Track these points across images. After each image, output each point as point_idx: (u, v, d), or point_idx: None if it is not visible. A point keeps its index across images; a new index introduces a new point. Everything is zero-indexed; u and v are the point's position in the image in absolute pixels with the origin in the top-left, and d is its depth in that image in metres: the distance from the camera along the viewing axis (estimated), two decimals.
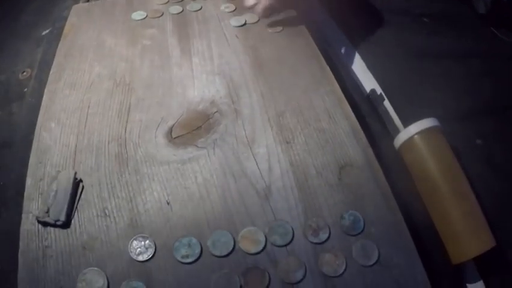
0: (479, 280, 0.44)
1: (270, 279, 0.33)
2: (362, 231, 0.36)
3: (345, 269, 0.34)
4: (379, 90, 0.53)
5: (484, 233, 0.41)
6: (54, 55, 0.52)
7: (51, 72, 0.48)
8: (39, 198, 0.38)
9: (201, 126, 0.41)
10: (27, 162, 0.42)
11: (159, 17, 0.54)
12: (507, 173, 0.51)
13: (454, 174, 0.44)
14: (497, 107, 0.57)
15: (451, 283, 0.43)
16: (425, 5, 0.69)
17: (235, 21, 0.53)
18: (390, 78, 0.55)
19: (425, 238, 0.43)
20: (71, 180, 0.38)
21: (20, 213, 0.40)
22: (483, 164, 0.52)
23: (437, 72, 0.58)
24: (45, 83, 0.49)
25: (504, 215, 0.48)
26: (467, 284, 0.44)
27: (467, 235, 0.41)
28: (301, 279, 0.33)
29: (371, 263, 0.34)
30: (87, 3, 0.60)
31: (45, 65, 0.54)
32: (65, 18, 0.58)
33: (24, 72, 0.54)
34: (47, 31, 0.59)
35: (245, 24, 0.53)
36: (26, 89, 0.52)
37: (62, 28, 0.57)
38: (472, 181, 0.46)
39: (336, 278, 0.33)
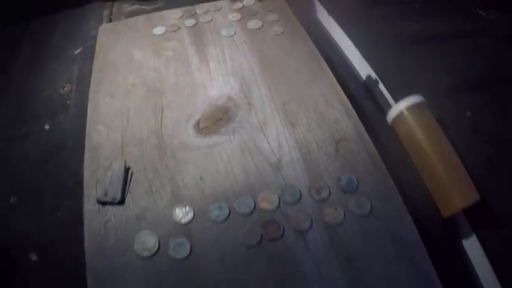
0: (472, 235, 0.58)
1: (284, 229, 0.50)
2: (357, 189, 0.52)
3: (344, 219, 0.50)
4: (374, 75, 0.69)
5: (469, 188, 0.56)
6: (89, 70, 0.71)
7: (91, 85, 0.67)
8: (97, 185, 0.56)
9: (221, 118, 0.59)
10: (79, 160, 0.60)
11: (176, 30, 0.73)
12: (494, 141, 0.65)
13: (439, 140, 0.60)
14: (485, 82, 0.71)
15: (441, 235, 0.57)
16: None
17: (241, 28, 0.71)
18: (384, 62, 0.71)
19: (417, 197, 0.58)
20: (123, 168, 0.56)
21: (78, 201, 0.58)
22: (473, 133, 0.67)
23: (427, 53, 0.73)
24: (85, 95, 0.68)
25: (492, 178, 0.62)
26: (462, 240, 0.58)
27: (453, 190, 0.56)
28: (309, 228, 0.49)
29: (365, 213, 0.50)
30: (112, 23, 0.79)
31: (83, 80, 0.73)
32: (93, 38, 0.78)
33: (65, 87, 0.73)
34: (79, 50, 0.79)
35: (252, 29, 0.72)
36: (68, 102, 0.71)
37: (92, 47, 0.77)
38: (463, 148, 0.60)
39: (337, 226, 0.50)
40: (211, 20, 0.74)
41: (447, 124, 0.63)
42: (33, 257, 0.57)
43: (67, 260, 0.57)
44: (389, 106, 0.65)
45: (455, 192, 0.56)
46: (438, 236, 0.57)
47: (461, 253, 0.58)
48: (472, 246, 0.58)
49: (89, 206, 0.54)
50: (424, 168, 0.59)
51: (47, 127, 0.69)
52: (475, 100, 0.68)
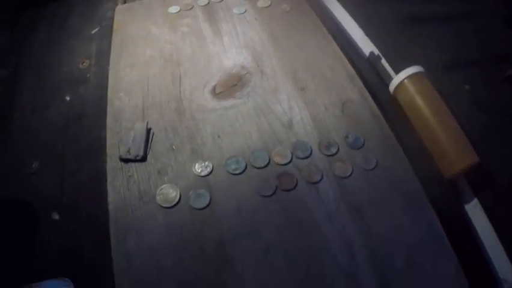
0: (474, 198, 0.62)
1: (297, 180, 0.53)
2: (362, 146, 0.56)
3: (351, 172, 0.54)
4: (376, 52, 0.73)
5: (468, 150, 0.60)
6: (107, 47, 0.75)
7: (111, 57, 0.70)
8: (120, 144, 0.59)
9: (236, 84, 0.63)
10: (100, 126, 0.63)
11: (190, 9, 0.76)
12: (491, 112, 0.69)
13: (438, 106, 0.64)
14: (482, 58, 0.76)
15: (443, 198, 0.60)
16: None
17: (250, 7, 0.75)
18: (384, 41, 0.75)
19: (420, 163, 0.62)
20: (145, 127, 0.59)
21: (100, 163, 0.60)
22: (471, 105, 0.71)
23: (426, 33, 0.78)
24: (104, 69, 0.72)
25: (490, 145, 0.66)
26: (464, 203, 0.62)
27: (453, 152, 0.60)
28: (320, 180, 0.53)
29: (371, 167, 0.54)
30: (127, 4, 0.82)
31: (101, 55, 0.77)
32: (110, 18, 0.81)
33: (84, 62, 0.76)
34: (96, 30, 0.82)
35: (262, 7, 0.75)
36: (88, 75, 0.75)
37: (108, 26, 0.80)
38: (461, 118, 0.64)
39: (346, 178, 0.53)
40: (223, 0, 0.78)
41: (446, 96, 0.67)
42: (56, 216, 0.60)
43: (89, 218, 0.60)
44: (391, 79, 0.69)
45: (456, 154, 0.60)
46: (441, 198, 0.61)
47: (463, 215, 0.62)
48: (473, 208, 0.62)
49: (112, 164, 0.57)
50: (425, 133, 0.63)
51: (68, 98, 0.72)
52: (471, 75, 0.73)
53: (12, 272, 0.56)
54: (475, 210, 0.62)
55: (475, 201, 0.63)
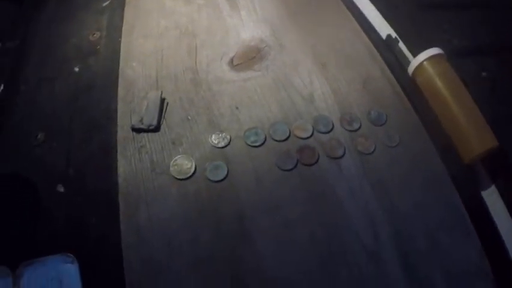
0: (492, 185, 0.60)
1: (319, 155, 0.50)
2: (385, 122, 0.54)
3: (374, 149, 0.51)
4: (394, 34, 0.70)
5: (488, 133, 0.57)
6: (119, 20, 0.71)
7: (123, 28, 0.67)
8: (132, 114, 0.55)
9: (255, 57, 0.60)
10: (110, 98, 0.60)
11: None
12: (508, 98, 0.67)
13: (457, 87, 0.61)
14: (500, 46, 0.73)
15: (461, 176, 0.58)
16: None
17: None
18: (404, 26, 0.72)
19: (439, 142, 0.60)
20: (159, 96, 0.56)
21: (108, 135, 0.57)
22: (488, 91, 0.68)
23: (443, 19, 0.75)
24: (116, 41, 0.68)
25: (506, 132, 0.64)
26: (481, 190, 0.59)
27: (473, 135, 0.57)
28: (343, 155, 0.51)
29: (394, 144, 0.52)
30: None
31: (112, 28, 0.72)
32: None
33: (94, 34, 0.72)
34: (107, 2, 0.78)
35: None
36: (98, 47, 0.70)
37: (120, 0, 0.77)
38: (480, 105, 0.62)
39: (369, 154, 0.51)
40: None
41: (465, 83, 0.65)
42: (61, 189, 0.57)
43: (96, 191, 0.56)
44: (408, 62, 0.67)
45: (475, 137, 0.57)
46: (459, 183, 0.59)
47: (481, 201, 0.60)
48: (490, 195, 0.60)
49: (123, 133, 0.54)
50: (445, 115, 0.60)
51: (76, 69, 0.67)
52: (488, 62, 0.70)
53: (15, 245, 0.53)
54: (492, 197, 0.61)
55: (493, 188, 0.61)
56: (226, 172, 0.49)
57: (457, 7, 0.79)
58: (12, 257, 0.47)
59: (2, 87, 0.71)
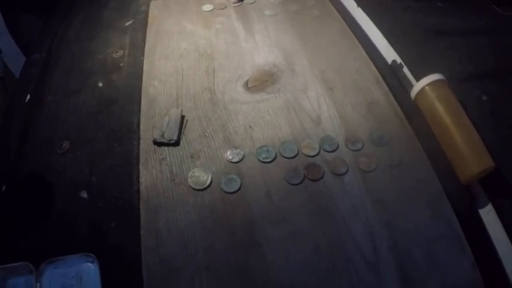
0: (488, 203, 0.65)
1: (324, 172, 0.57)
2: (386, 144, 0.60)
3: (375, 167, 0.58)
4: (399, 60, 0.77)
5: (484, 154, 0.63)
6: (141, 39, 0.79)
7: (145, 48, 0.75)
8: (153, 129, 0.62)
9: (267, 80, 0.67)
10: (132, 112, 0.67)
11: (224, 8, 0.82)
12: (508, 121, 0.73)
13: (457, 111, 0.67)
14: (501, 71, 0.80)
15: (459, 202, 0.64)
16: None
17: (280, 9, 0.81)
18: (408, 51, 0.79)
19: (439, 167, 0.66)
20: (179, 114, 0.63)
21: (130, 146, 0.64)
22: (488, 115, 0.75)
23: (446, 45, 0.82)
24: (138, 59, 0.76)
25: (506, 154, 0.70)
26: (479, 208, 0.65)
27: (470, 156, 0.63)
28: (346, 172, 0.57)
29: (394, 164, 0.58)
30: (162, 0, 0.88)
31: (135, 47, 0.80)
32: (144, 12, 0.86)
33: (117, 52, 0.80)
34: (130, 22, 0.86)
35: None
36: (121, 64, 0.78)
37: (142, 19, 0.85)
38: (480, 128, 0.68)
39: (370, 172, 0.58)
40: (255, 2, 0.83)
41: (465, 106, 0.71)
42: (84, 194, 0.63)
43: (117, 198, 0.63)
44: (412, 86, 0.74)
45: (472, 158, 0.63)
46: (457, 203, 0.65)
47: (478, 220, 0.65)
48: (487, 213, 0.65)
49: (145, 146, 0.61)
50: (444, 137, 0.66)
51: (100, 84, 0.75)
52: (489, 87, 0.77)
53: (39, 244, 0.59)
54: (489, 216, 0.66)
55: (490, 206, 0.67)
56: (239, 185, 0.56)
57: (461, 34, 0.87)
58: (36, 255, 0.54)
59: (28, 97, 0.79)
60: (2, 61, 1.02)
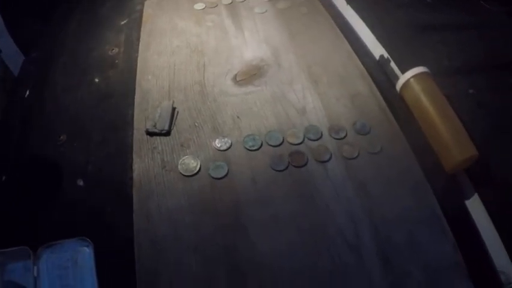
0: (474, 193, 0.68)
1: (307, 159, 0.61)
2: (369, 132, 0.64)
3: (358, 154, 0.61)
4: (386, 55, 0.81)
5: (467, 143, 0.66)
6: (136, 37, 0.83)
7: (140, 45, 0.79)
8: (146, 120, 0.66)
9: (255, 74, 0.71)
10: (126, 106, 0.71)
11: (215, 7, 0.86)
12: (494, 113, 0.76)
13: (440, 102, 0.70)
14: (487, 65, 0.83)
15: (444, 186, 0.67)
16: None
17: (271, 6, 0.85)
18: (396, 46, 0.82)
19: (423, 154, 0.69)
20: (171, 105, 0.67)
21: (125, 136, 0.67)
22: (474, 107, 0.78)
23: (435, 40, 0.86)
24: (132, 56, 0.80)
25: (492, 145, 0.73)
26: (465, 198, 0.68)
27: (453, 145, 0.66)
28: (329, 159, 0.61)
29: (376, 151, 0.62)
30: None
31: (130, 44, 0.85)
32: (138, 11, 0.90)
33: (113, 49, 0.84)
34: (125, 21, 0.91)
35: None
36: (116, 61, 0.83)
37: (137, 18, 0.89)
38: (466, 120, 0.71)
39: (353, 159, 0.61)
40: (245, 0, 0.88)
41: (451, 99, 0.74)
42: (80, 182, 0.67)
43: (112, 185, 0.66)
44: (398, 79, 0.78)
45: (456, 147, 0.66)
46: (442, 192, 0.67)
47: (462, 207, 0.68)
48: (473, 202, 0.68)
49: (139, 136, 0.65)
50: (428, 128, 0.69)
51: (97, 80, 0.80)
52: (476, 80, 0.80)
53: (37, 230, 0.63)
54: (474, 204, 0.69)
55: (475, 196, 0.70)
56: (226, 171, 0.59)
57: (450, 29, 0.90)
58: (34, 240, 0.57)
59: (27, 93, 0.83)
60: (2, 61, 1.07)
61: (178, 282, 0.50)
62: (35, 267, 0.53)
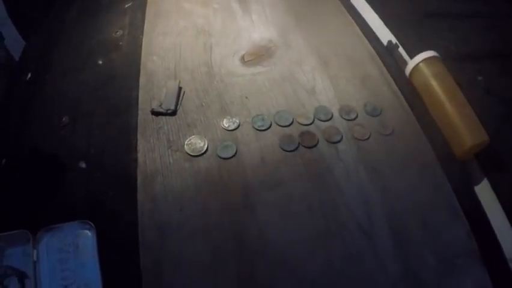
0: (484, 178, 0.67)
1: (318, 139, 0.60)
2: (380, 114, 0.63)
3: (369, 136, 0.60)
4: (394, 40, 0.80)
5: (478, 128, 0.65)
6: (140, 20, 0.82)
7: (145, 26, 0.78)
8: (152, 100, 0.65)
9: (263, 54, 0.71)
10: (130, 88, 0.70)
11: None
12: (504, 99, 0.76)
13: (450, 87, 0.70)
14: (497, 53, 0.83)
15: (455, 171, 0.66)
16: None
17: None
18: (404, 32, 0.82)
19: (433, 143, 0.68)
20: (177, 85, 0.66)
21: (129, 118, 0.66)
22: (483, 94, 0.77)
23: (444, 27, 0.86)
24: (137, 38, 0.79)
25: (501, 132, 0.72)
26: (474, 184, 0.67)
27: (464, 130, 0.65)
28: (340, 140, 0.60)
29: (387, 133, 0.61)
30: None
31: (134, 27, 0.84)
32: None
33: (117, 32, 0.83)
34: (129, 4, 0.90)
35: None
36: (120, 43, 0.82)
37: (141, 1, 0.88)
38: (475, 107, 0.71)
39: (364, 140, 0.60)
40: None
41: (460, 86, 0.74)
42: (82, 164, 0.66)
43: (114, 168, 0.65)
44: (407, 64, 0.77)
45: (467, 132, 0.65)
46: (453, 178, 0.67)
47: (472, 192, 0.67)
48: (483, 188, 0.67)
49: (144, 116, 0.64)
50: (438, 112, 0.69)
51: (100, 62, 0.79)
52: (485, 67, 0.79)
53: (38, 213, 0.62)
54: (484, 190, 0.68)
55: (485, 181, 0.69)
56: (235, 151, 0.58)
57: (457, 16, 0.90)
58: (35, 223, 0.56)
59: (29, 75, 0.82)
60: (5, 48, 1.06)
61: (184, 265, 0.49)
62: (35, 251, 0.51)
